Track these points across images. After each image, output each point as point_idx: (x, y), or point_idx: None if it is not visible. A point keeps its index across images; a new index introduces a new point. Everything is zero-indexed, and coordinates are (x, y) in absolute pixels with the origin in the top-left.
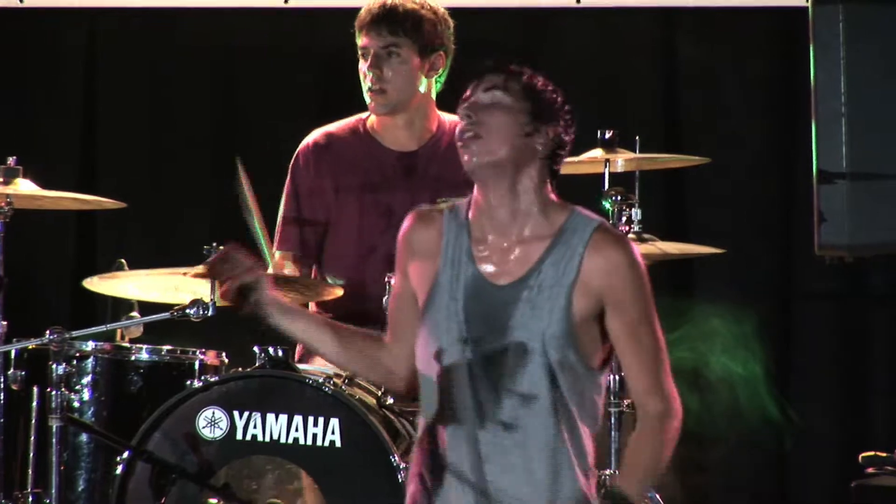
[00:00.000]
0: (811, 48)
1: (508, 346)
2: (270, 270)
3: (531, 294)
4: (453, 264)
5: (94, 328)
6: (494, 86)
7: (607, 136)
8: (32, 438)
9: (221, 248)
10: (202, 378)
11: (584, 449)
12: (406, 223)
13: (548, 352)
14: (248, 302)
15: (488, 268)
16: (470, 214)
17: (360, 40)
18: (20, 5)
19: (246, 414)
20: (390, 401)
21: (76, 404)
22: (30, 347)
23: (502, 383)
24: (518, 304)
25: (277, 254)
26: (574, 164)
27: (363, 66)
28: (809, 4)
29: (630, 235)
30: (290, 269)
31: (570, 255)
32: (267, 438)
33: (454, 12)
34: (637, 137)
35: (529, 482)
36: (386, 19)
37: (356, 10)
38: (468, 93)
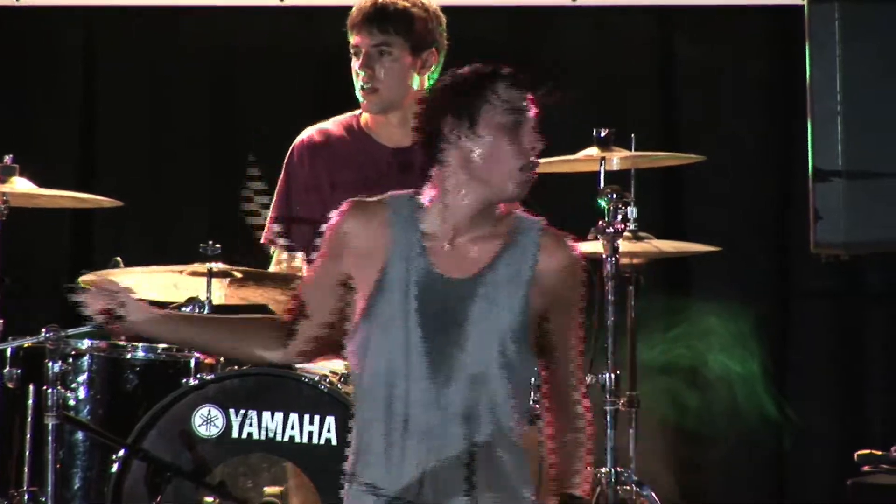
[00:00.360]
0: (807, 47)
1: (465, 340)
2: (273, 268)
3: (488, 290)
4: (404, 259)
5: (89, 326)
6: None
7: (603, 134)
8: (28, 437)
9: (93, 282)
10: (198, 376)
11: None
12: (342, 212)
13: (504, 346)
14: (121, 328)
15: (441, 263)
16: (424, 209)
17: (352, 39)
18: (17, 4)
19: (242, 412)
20: None
21: (72, 402)
22: (26, 345)
23: (457, 377)
24: (475, 300)
25: (276, 252)
26: (570, 163)
27: (355, 65)
28: (805, 3)
29: (626, 234)
30: (288, 267)
31: (523, 254)
32: (263, 436)
33: (452, 11)
34: (633, 135)
35: (470, 469)
36: (377, 18)
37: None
38: (530, 109)
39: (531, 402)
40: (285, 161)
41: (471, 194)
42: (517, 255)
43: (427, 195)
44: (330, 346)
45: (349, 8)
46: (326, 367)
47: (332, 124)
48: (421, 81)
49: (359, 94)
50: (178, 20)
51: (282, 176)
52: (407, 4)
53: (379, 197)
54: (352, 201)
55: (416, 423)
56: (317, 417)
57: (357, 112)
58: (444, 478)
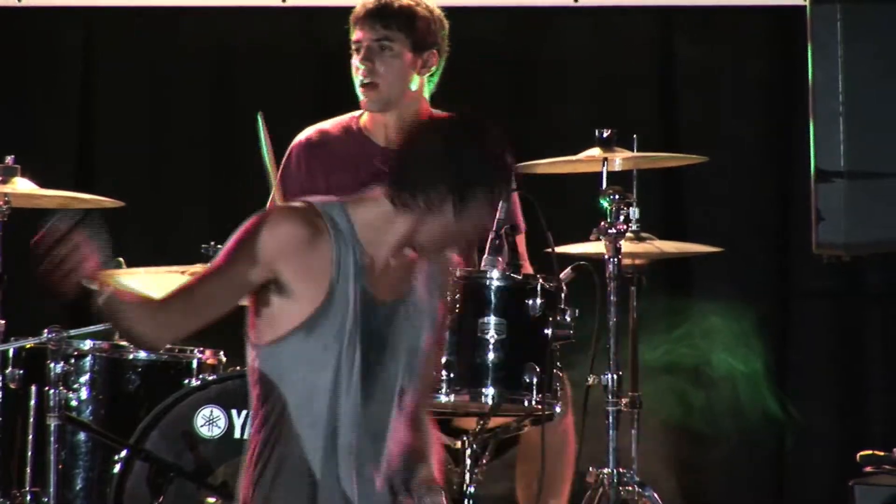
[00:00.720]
0: (809, 47)
1: (390, 360)
2: None
3: (411, 312)
4: (347, 278)
5: (91, 327)
6: None
7: (605, 135)
8: (30, 437)
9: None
10: (200, 377)
11: None
12: (278, 218)
13: (422, 363)
14: (79, 289)
15: (374, 284)
16: (359, 225)
17: (354, 34)
18: (18, 4)
19: (244, 412)
20: None
21: (74, 403)
22: (28, 346)
23: (380, 396)
24: (401, 322)
25: None
26: (572, 163)
27: (355, 60)
28: (807, 4)
29: (628, 234)
30: None
31: (434, 270)
32: None
33: (452, 12)
34: (635, 136)
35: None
36: (380, 13)
37: (353, 9)
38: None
39: (531, 402)
40: (283, 161)
41: (416, 238)
42: (430, 272)
43: (361, 211)
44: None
45: (349, 8)
46: None
47: (331, 125)
48: (420, 82)
49: (358, 91)
50: (178, 20)
51: (279, 176)
52: (411, 2)
53: (304, 203)
54: (285, 208)
55: (344, 439)
56: None
57: (356, 113)
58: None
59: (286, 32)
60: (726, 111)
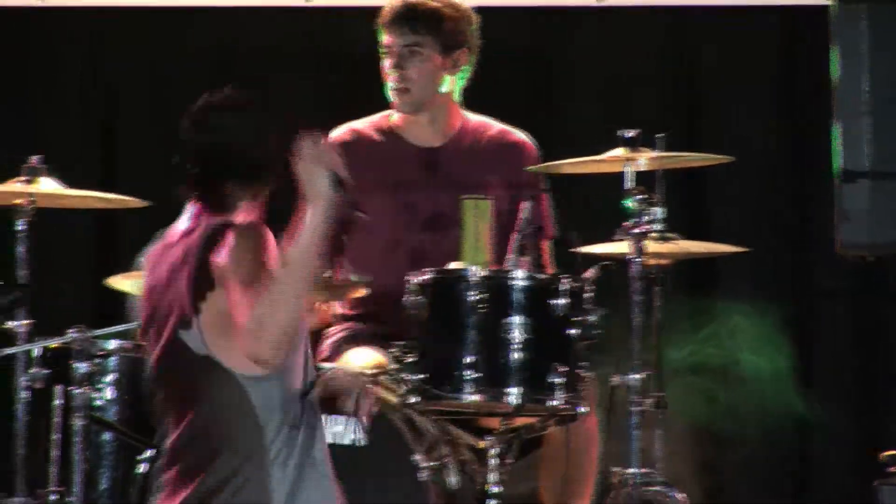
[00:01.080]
0: (834, 47)
1: None
2: None
3: None
4: None
5: (116, 327)
6: None
7: (629, 135)
8: (55, 437)
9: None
10: None
11: None
12: (262, 226)
13: None
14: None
15: None
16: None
17: (383, 39)
18: (42, 4)
19: None
20: (413, 400)
21: (98, 403)
22: (52, 346)
23: None
24: None
25: None
26: (595, 164)
27: (386, 64)
28: (833, 4)
29: (653, 234)
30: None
31: None
32: None
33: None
34: (659, 136)
35: None
36: (407, 18)
37: (373, 10)
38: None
39: (555, 402)
40: None
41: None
42: None
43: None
44: None
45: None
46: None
47: (363, 124)
48: (451, 81)
49: (390, 94)
50: (188, 21)
51: None
52: (438, 4)
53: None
54: (251, 222)
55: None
56: (343, 418)
57: (387, 112)
58: None
59: (286, 33)
60: (745, 111)
